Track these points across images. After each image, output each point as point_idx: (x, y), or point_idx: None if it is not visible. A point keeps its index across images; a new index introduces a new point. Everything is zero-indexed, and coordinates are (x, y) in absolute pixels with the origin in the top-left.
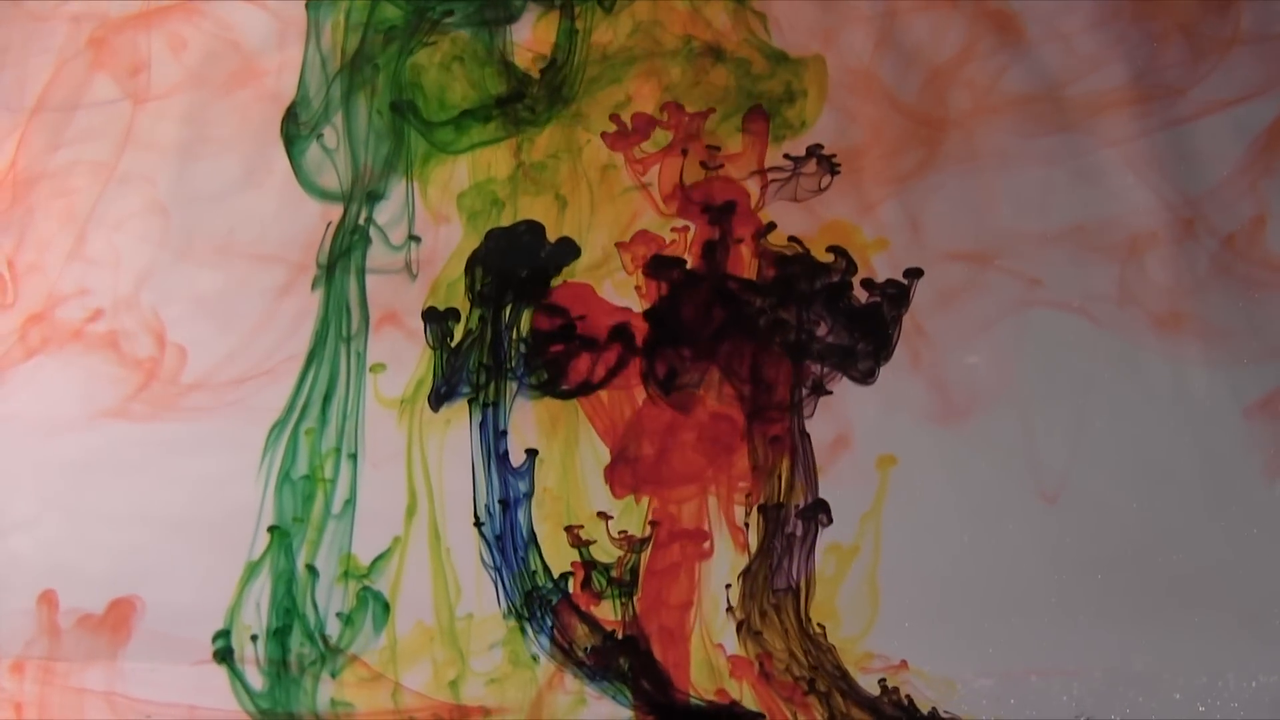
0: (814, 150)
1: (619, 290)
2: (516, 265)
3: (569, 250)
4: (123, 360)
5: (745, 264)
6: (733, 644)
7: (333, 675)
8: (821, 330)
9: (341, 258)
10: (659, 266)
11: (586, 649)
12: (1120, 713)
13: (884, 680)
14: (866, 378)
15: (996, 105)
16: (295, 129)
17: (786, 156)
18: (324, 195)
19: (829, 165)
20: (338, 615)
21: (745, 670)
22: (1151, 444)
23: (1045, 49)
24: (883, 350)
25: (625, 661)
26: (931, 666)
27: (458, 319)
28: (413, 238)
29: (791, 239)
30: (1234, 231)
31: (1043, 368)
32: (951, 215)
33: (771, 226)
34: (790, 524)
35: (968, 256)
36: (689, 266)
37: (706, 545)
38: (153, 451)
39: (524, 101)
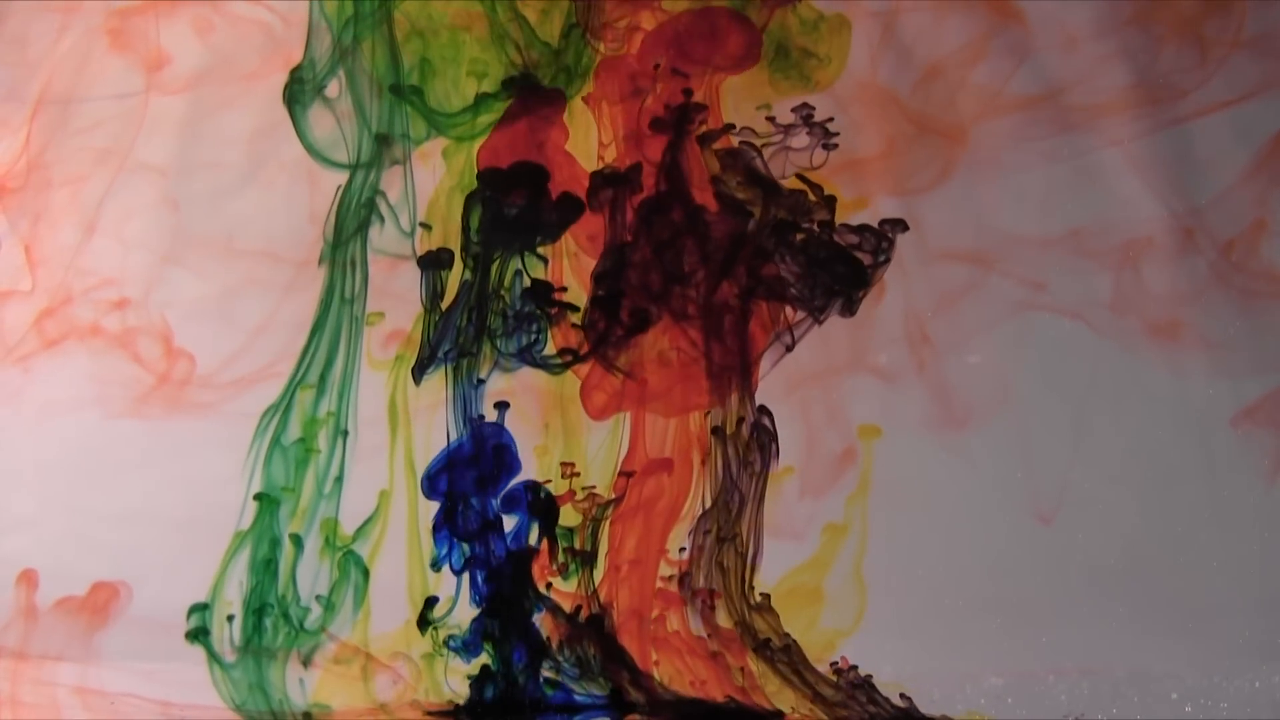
0: (804, 113)
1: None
2: (515, 228)
3: (572, 209)
4: (130, 357)
5: (699, 175)
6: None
7: (305, 664)
8: (783, 263)
9: (350, 237)
10: (606, 185)
11: (561, 645)
12: (1120, 713)
13: (836, 663)
14: (819, 312)
15: (999, 108)
16: (300, 89)
17: (771, 120)
18: (331, 163)
19: (823, 135)
20: (317, 599)
21: (674, 605)
22: (1150, 449)
23: (1049, 52)
24: (856, 291)
25: (592, 648)
26: (904, 667)
27: (450, 264)
28: (423, 225)
29: (745, 143)
30: (1233, 239)
31: (1042, 373)
32: (952, 218)
33: (729, 128)
34: (748, 453)
35: (969, 259)
36: (647, 188)
37: (674, 482)
38: (157, 449)
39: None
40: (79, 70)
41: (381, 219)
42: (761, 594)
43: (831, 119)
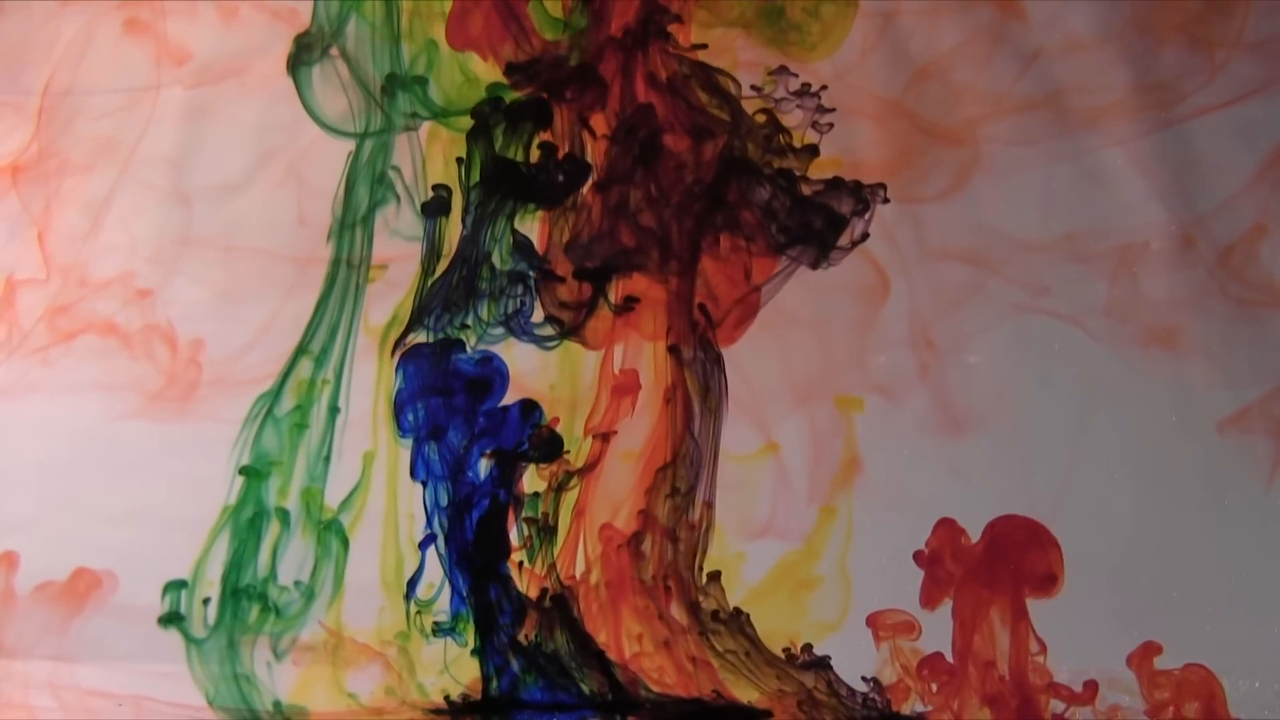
0: (787, 80)
1: None
2: (516, 179)
3: (580, 172)
4: (138, 355)
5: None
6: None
7: (276, 654)
8: (747, 205)
9: (363, 209)
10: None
11: (537, 634)
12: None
13: (788, 649)
14: (781, 249)
15: (999, 111)
16: (308, 54)
17: (755, 89)
18: (339, 132)
19: (816, 110)
20: (296, 584)
21: (610, 548)
22: (1145, 454)
23: (1051, 54)
24: (830, 243)
25: (563, 636)
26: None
27: (450, 201)
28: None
29: (717, 72)
30: (1232, 245)
31: (1040, 377)
32: (952, 221)
33: (701, 47)
34: (706, 379)
35: (968, 261)
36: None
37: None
38: (162, 447)
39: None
40: (91, 61)
41: (397, 198)
42: (710, 573)
43: (825, 87)
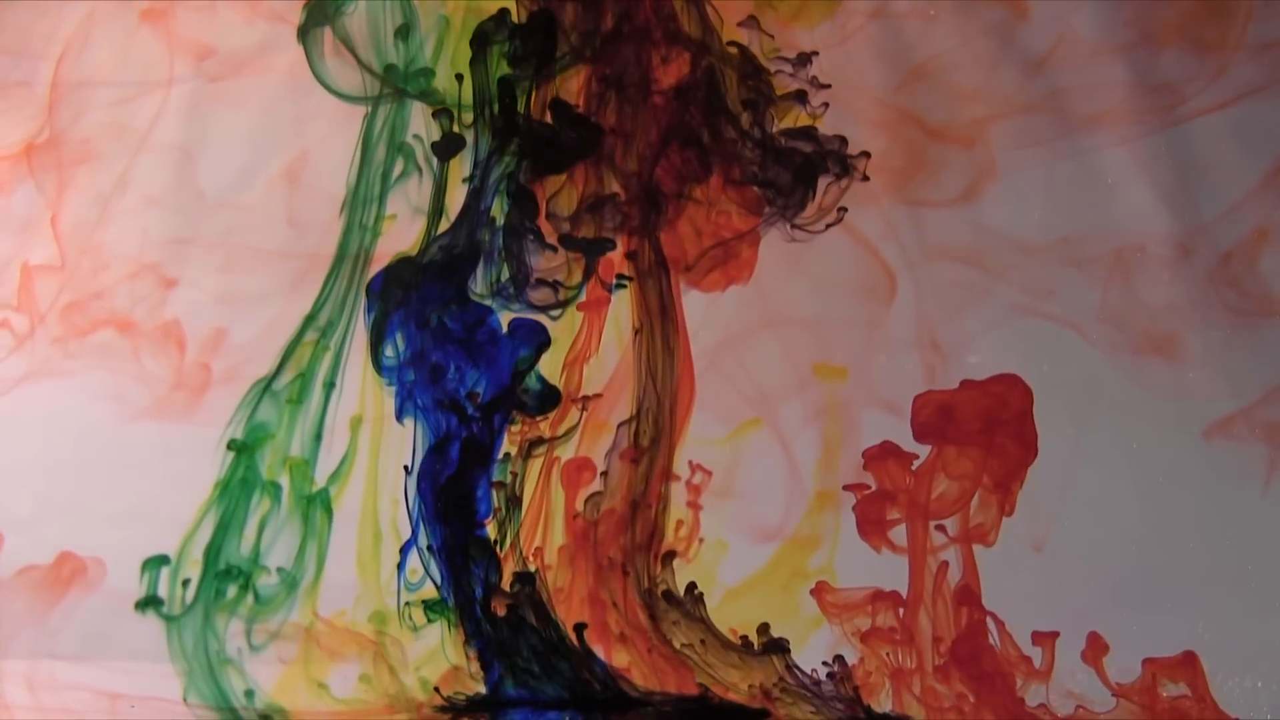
0: (761, 36)
1: None
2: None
3: (593, 134)
4: (145, 356)
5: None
6: None
7: (252, 646)
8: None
9: (379, 189)
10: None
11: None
12: None
13: (746, 637)
14: (752, 183)
15: (1001, 113)
16: (319, 16)
17: (741, 49)
18: (349, 98)
19: (810, 86)
20: (279, 570)
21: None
22: (1142, 458)
23: (1052, 57)
24: (806, 195)
25: (534, 624)
26: None
27: (462, 144)
28: (467, 179)
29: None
30: (1230, 250)
31: (1039, 379)
32: (952, 224)
33: None
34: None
35: (970, 262)
36: None
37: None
38: (167, 446)
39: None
40: (104, 49)
41: (419, 170)
42: (664, 554)
43: (816, 52)
